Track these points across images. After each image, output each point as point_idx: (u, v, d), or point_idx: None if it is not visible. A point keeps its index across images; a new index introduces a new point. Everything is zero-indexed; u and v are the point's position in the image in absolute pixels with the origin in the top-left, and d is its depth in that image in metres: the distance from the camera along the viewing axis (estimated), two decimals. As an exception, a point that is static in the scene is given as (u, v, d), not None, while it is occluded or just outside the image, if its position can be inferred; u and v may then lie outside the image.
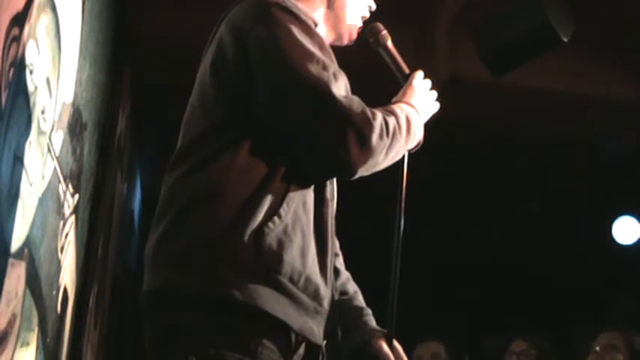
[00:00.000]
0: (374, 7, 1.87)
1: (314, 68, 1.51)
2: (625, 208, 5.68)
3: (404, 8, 3.31)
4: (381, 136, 1.53)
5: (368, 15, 1.86)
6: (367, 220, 4.81)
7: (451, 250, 6.14)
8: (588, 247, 5.75)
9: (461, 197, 5.67)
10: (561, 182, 5.39)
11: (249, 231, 1.46)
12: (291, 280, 1.48)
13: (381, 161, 1.58)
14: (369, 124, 1.51)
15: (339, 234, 1.74)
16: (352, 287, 1.85)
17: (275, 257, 1.47)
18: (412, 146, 1.71)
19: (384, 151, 1.55)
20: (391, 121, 1.58)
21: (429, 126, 1.78)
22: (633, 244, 5.70)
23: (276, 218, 1.49)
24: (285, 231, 1.49)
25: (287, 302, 1.48)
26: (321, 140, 1.52)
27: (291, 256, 1.49)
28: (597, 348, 3.27)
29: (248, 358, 1.44)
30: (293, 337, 1.50)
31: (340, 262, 1.88)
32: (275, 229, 1.48)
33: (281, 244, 1.48)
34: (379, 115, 1.56)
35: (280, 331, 1.48)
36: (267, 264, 1.46)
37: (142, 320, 1.54)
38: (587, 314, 5.69)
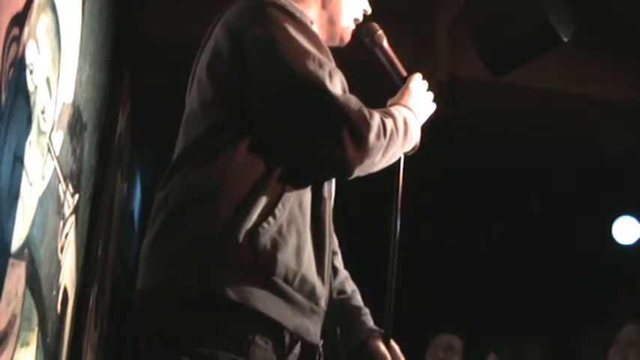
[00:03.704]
0: (369, 10, 1.87)
1: (310, 66, 1.51)
2: (625, 208, 5.69)
3: (404, 8, 3.32)
4: (378, 137, 1.53)
5: (361, 19, 1.86)
6: (366, 219, 4.81)
7: (451, 249, 6.15)
8: (588, 247, 5.76)
9: (461, 197, 5.68)
10: (561, 182, 5.39)
11: (244, 231, 1.46)
12: (285, 280, 1.48)
13: (378, 162, 1.57)
14: (366, 124, 1.51)
15: (337, 232, 1.74)
16: (350, 286, 1.85)
17: (269, 257, 1.47)
18: (409, 149, 1.70)
19: (381, 151, 1.55)
20: (389, 122, 1.58)
21: (429, 126, 1.78)
22: (633, 244, 5.70)
23: (271, 218, 1.48)
24: (279, 231, 1.49)
25: (282, 302, 1.47)
26: (317, 139, 1.51)
27: (286, 256, 1.48)
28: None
29: (242, 357, 1.44)
30: (287, 336, 1.50)
31: (339, 261, 1.87)
32: (270, 229, 1.48)
33: (275, 245, 1.48)
34: (377, 116, 1.55)
35: (275, 331, 1.48)
36: (262, 264, 1.46)
37: (136, 319, 1.54)
38: (587, 314, 5.70)
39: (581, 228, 5.69)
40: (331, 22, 1.80)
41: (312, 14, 1.76)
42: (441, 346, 3.95)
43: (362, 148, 1.50)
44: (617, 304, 5.88)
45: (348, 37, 1.85)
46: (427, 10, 4.00)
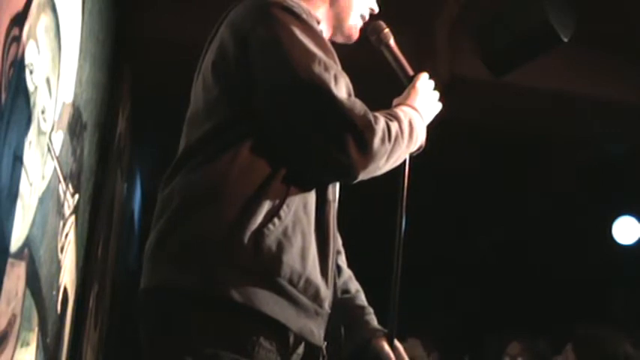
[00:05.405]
0: (376, 9, 1.86)
1: (315, 69, 1.49)
2: (625, 208, 5.69)
3: (405, 9, 3.31)
4: (382, 141, 1.52)
5: (368, 16, 1.85)
6: (369, 219, 4.81)
7: (452, 250, 6.15)
8: (588, 247, 5.76)
9: (461, 197, 5.68)
10: (561, 182, 5.39)
11: (248, 232, 1.45)
12: (290, 281, 1.47)
13: (382, 166, 1.56)
14: (370, 129, 1.50)
15: (340, 232, 1.74)
16: (354, 286, 1.85)
17: (274, 259, 1.46)
18: (414, 150, 1.70)
19: (386, 156, 1.54)
20: (394, 125, 1.57)
21: (430, 126, 1.78)
22: (633, 244, 5.71)
23: (276, 220, 1.48)
24: (285, 233, 1.48)
25: (286, 304, 1.47)
26: (320, 143, 1.50)
27: (291, 258, 1.48)
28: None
29: (245, 358, 1.43)
30: (292, 337, 1.49)
31: (342, 260, 1.87)
32: (275, 230, 1.47)
33: (280, 246, 1.47)
34: (381, 120, 1.54)
35: (279, 332, 1.47)
36: (267, 266, 1.45)
37: (138, 318, 1.54)
38: (587, 314, 5.70)
39: (581, 228, 5.70)
40: (339, 20, 1.80)
41: (320, 12, 1.76)
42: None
43: (366, 153, 1.49)
44: (617, 304, 5.88)
45: (356, 35, 1.84)
46: (427, 10, 4.00)
